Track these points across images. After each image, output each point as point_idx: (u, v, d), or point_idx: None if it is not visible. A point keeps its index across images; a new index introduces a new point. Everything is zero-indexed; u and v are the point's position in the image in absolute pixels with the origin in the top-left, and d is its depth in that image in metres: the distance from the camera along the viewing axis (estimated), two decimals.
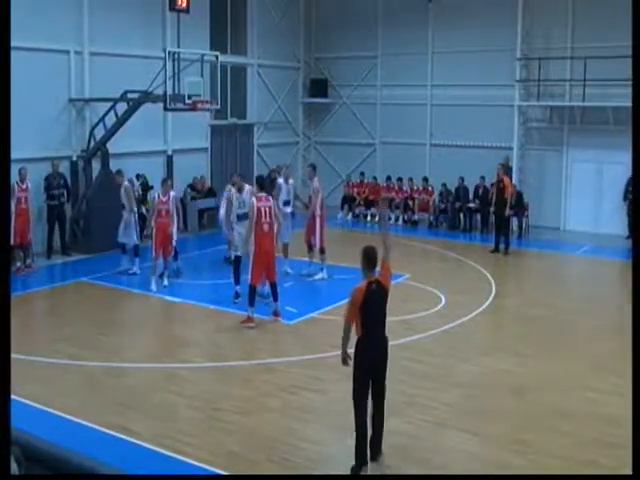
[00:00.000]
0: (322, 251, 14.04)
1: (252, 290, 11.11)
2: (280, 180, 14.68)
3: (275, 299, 11.44)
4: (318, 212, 13.97)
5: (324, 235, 14.13)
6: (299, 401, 8.49)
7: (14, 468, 3.72)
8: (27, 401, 8.22)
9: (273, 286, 11.49)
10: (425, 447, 7.35)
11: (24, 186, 14.57)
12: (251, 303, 11.12)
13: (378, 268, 6.96)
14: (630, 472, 4.55)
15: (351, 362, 6.87)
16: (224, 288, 13.15)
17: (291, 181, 14.78)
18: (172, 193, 13.46)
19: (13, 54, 16.03)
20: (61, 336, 10.65)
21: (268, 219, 11.20)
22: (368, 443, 6.81)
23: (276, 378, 9.15)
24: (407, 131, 21.74)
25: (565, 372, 9.49)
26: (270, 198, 11.60)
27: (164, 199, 13.12)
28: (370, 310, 6.80)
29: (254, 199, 11.30)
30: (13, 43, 15.77)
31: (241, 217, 12.14)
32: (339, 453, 7.32)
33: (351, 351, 6.89)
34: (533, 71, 19.64)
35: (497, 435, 7.61)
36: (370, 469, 6.79)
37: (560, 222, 19.87)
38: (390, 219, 20.40)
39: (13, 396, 8.38)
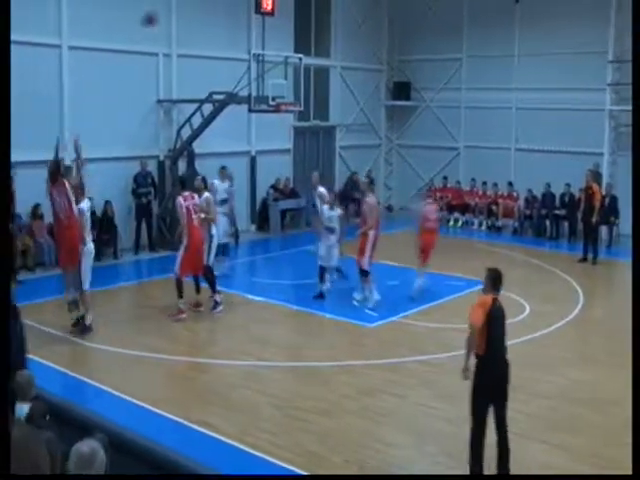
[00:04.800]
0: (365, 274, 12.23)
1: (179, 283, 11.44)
2: (215, 181, 14.08)
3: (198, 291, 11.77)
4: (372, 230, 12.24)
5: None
6: (377, 404, 8.41)
7: (102, 454, 3.79)
8: (113, 391, 8.45)
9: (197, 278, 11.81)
10: None
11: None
12: (180, 295, 11.36)
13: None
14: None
15: (470, 376, 6.51)
16: (305, 288, 13.19)
17: (227, 182, 14.14)
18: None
19: (106, 57, 16.53)
20: (146, 330, 10.91)
21: (197, 215, 11.43)
22: (482, 466, 6.53)
23: (355, 380, 9.10)
24: (491, 135, 21.30)
25: None
26: (195, 196, 11.60)
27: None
28: (495, 325, 6.53)
29: (181, 198, 11.47)
30: (106, 46, 16.36)
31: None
32: (417, 458, 7.24)
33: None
34: (626, 74, 18.91)
35: (577, 448, 7.35)
36: None
37: None
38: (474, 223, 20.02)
39: (99, 385, 8.67)
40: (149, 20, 13.72)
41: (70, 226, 10.30)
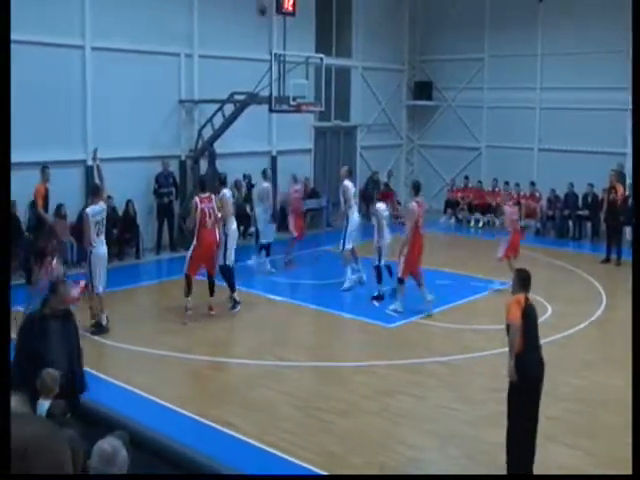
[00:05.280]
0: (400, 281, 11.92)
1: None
2: (267, 184, 14.78)
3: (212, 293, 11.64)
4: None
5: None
6: (397, 405, 8.39)
7: (123, 452, 3.81)
8: (134, 389, 8.51)
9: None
10: None
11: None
12: (187, 293, 11.35)
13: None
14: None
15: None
16: (326, 289, 13.19)
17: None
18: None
19: (129, 57, 16.65)
20: (167, 329, 10.96)
21: (212, 218, 11.35)
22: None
23: (374, 381, 9.08)
24: (514, 135, 21.14)
25: None
26: (213, 198, 11.54)
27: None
28: (529, 324, 6.57)
29: (197, 199, 11.48)
30: (129, 47, 16.48)
31: None
32: (438, 460, 7.21)
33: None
34: None
35: (597, 450, 7.28)
36: None
37: None
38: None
39: (119, 383, 8.72)
40: (262, 11, 16.45)
41: None
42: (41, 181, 13.26)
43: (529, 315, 6.58)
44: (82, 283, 10.44)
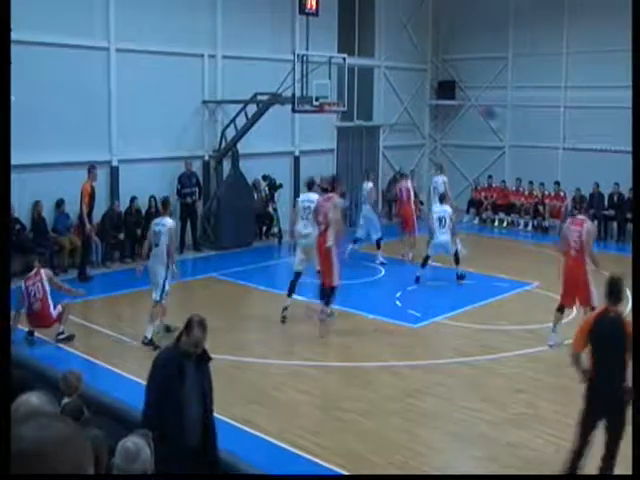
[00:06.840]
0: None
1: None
2: (371, 184, 15.85)
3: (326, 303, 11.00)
4: None
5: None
6: (421, 406, 8.36)
7: (146, 450, 3.85)
8: None
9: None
10: (547, 463, 6.99)
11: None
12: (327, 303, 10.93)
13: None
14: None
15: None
16: (348, 288, 13.15)
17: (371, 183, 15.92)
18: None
19: (153, 58, 16.74)
20: None
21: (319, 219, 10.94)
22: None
23: (398, 381, 9.06)
24: (538, 134, 20.93)
25: None
26: (332, 199, 11.13)
27: None
28: (600, 342, 5.90)
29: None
30: (153, 48, 16.58)
31: None
32: (460, 461, 7.18)
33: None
34: None
35: (626, 456, 7.17)
36: None
37: None
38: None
39: (143, 382, 8.76)
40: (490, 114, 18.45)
41: None
42: (87, 180, 13.47)
43: (600, 335, 5.89)
44: (60, 308, 10.02)
